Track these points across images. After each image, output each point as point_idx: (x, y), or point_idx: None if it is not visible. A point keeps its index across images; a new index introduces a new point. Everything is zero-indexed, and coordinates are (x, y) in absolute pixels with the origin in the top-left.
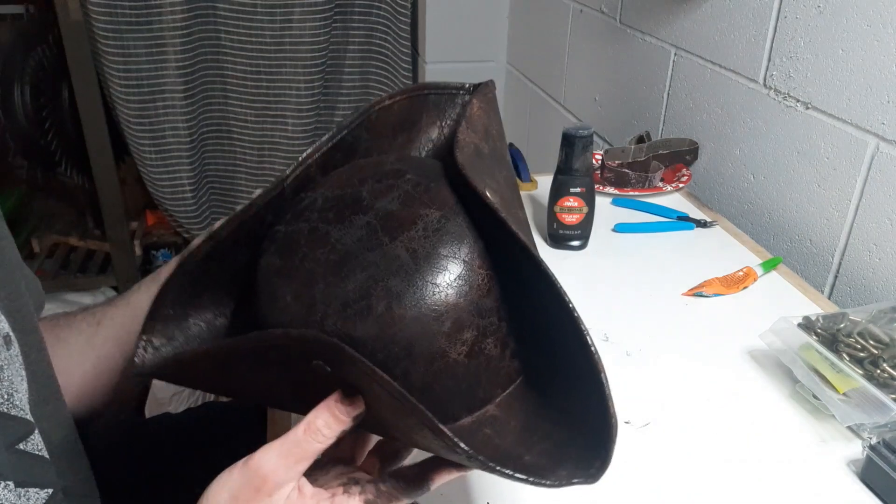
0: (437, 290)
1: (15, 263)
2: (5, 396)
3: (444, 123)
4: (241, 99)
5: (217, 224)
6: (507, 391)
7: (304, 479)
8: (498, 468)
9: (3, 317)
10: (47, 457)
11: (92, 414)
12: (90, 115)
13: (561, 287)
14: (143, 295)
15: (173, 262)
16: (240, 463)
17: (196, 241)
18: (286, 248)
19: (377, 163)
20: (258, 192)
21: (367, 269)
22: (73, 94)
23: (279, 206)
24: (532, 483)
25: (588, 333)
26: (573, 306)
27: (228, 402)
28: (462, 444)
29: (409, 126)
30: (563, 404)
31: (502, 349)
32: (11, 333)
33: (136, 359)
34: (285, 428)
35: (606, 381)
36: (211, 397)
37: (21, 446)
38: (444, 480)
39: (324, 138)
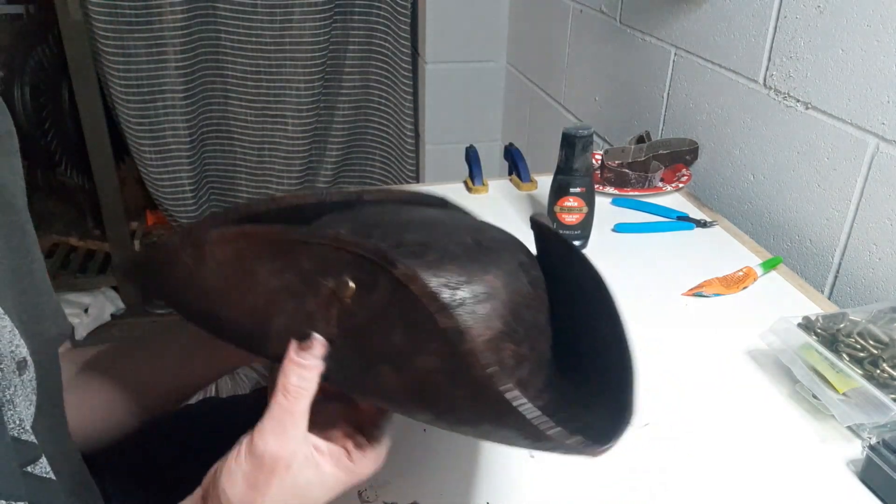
0: (489, 271)
1: (43, 288)
2: (17, 421)
3: None
4: (241, 99)
5: (279, 194)
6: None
7: (316, 439)
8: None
9: (22, 341)
10: (55, 479)
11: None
12: (90, 115)
13: (616, 303)
14: (161, 344)
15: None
16: (244, 447)
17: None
18: (357, 220)
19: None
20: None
21: (429, 230)
22: (73, 94)
23: (339, 211)
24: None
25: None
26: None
27: (229, 399)
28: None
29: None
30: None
31: (516, 365)
32: (28, 358)
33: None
34: None
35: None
36: (210, 393)
37: (30, 469)
38: None
39: (404, 189)
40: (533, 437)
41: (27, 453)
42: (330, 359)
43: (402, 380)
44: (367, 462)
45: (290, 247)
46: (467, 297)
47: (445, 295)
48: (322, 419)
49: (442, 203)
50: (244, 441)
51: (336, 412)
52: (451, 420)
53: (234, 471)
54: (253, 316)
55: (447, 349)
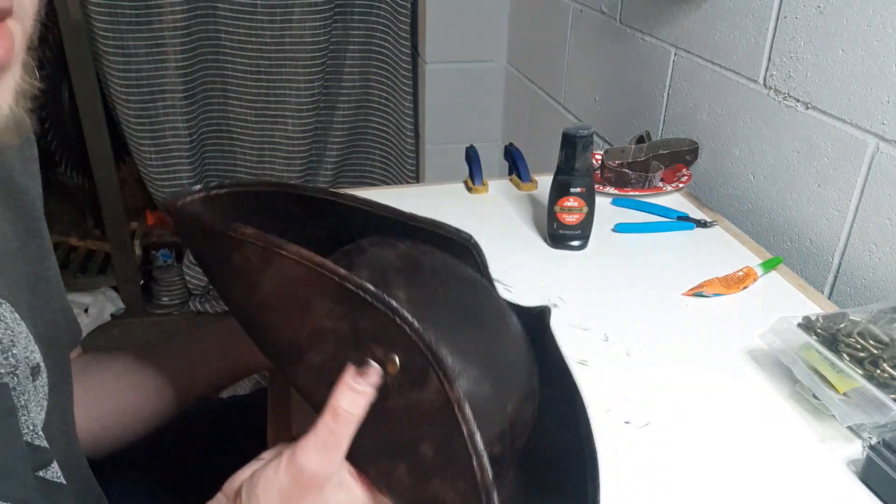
0: (512, 395)
1: (56, 294)
2: (30, 427)
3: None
4: (241, 99)
5: (318, 186)
6: None
7: (348, 464)
8: None
9: (36, 347)
10: (66, 483)
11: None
12: (90, 115)
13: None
14: (179, 346)
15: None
16: (284, 460)
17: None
18: (410, 261)
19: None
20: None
21: (483, 332)
22: (73, 94)
23: (368, 223)
24: None
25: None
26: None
27: (229, 399)
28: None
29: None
30: None
31: (499, 479)
32: (42, 363)
33: (178, 194)
34: (286, 424)
35: None
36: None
37: (41, 474)
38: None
39: (429, 218)
40: None
41: (40, 458)
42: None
43: (413, 489)
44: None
45: (355, 299)
46: (483, 419)
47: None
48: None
49: (469, 255)
50: (285, 454)
51: None
52: None
53: (271, 480)
54: (292, 339)
55: (471, 495)
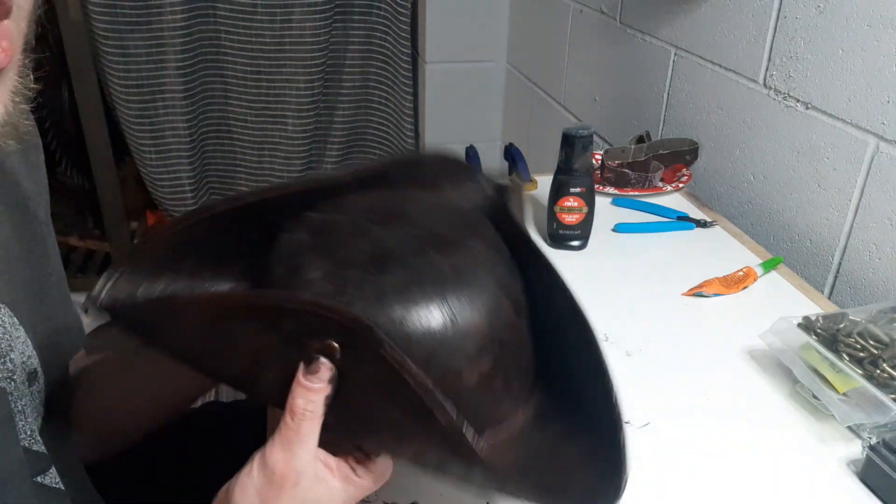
0: (474, 310)
1: (59, 300)
2: (28, 432)
3: (466, 195)
4: (241, 99)
5: (245, 191)
6: (511, 436)
7: (326, 456)
8: (513, 483)
9: (34, 353)
10: (64, 489)
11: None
12: (90, 115)
13: (594, 332)
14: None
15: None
16: (256, 462)
17: (216, 201)
18: (322, 230)
19: (425, 196)
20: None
21: (408, 270)
22: (73, 94)
23: (308, 201)
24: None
25: (613, 384)
26: (603, 353)
27: (229, 403)
28: (475, 448)
29: (431, 185)
30: (564, 448)
31: (505, 389)
32: (39, 369)
33: (97, 287)
34: None
35: (623, 428)
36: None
37: (40, 479)
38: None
39: (372, 163)
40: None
41: (37, 464)
42: (328, 411)
43: (402, 448)
44: (373, 476)
45: (271, 312)
46: (454, 347)
47: (433, 346)
48: (329, 438)
49: (406, 170)
50: (256, 457)
51: None
52: (454, 482)
53: (246, 485)
54: (240, 371)
55: (448, 442)
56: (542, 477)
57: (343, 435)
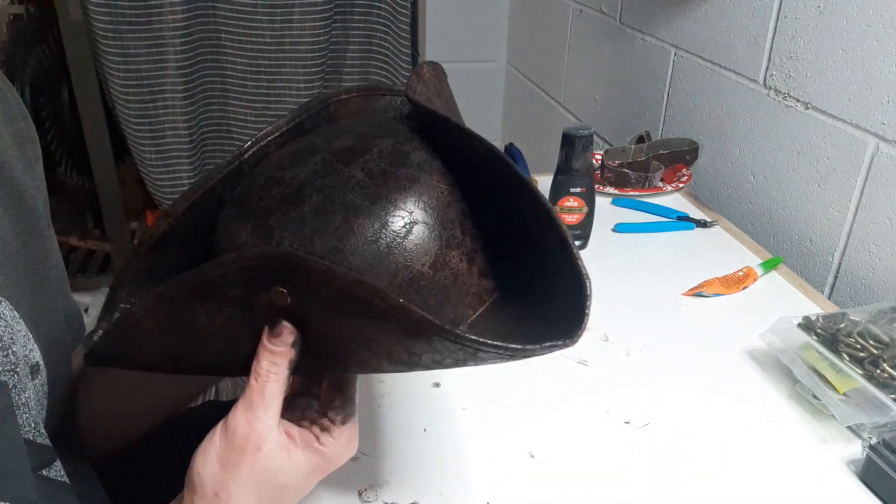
0: (396, 201)
1: (58, 293)
2: (32, 425)
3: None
4: (241, 99)
5: (170, 205)
6: (479, 311)
7: (287, 423)
8: (484, 341)
9: (35, 346)
10: (69, 482)
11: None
12: (90, 115)
13: (530, 182)
14: None
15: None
16: (218, 428)
17: (154, 224)
18: (242, 198)
19: (334, 125)
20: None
21: (322, 192)
22: (73, 94)
23: (233, 188)
24: (508, 351)
25: (566, 232)
26: (546, 202)
27: (229, 402)
28: (457, 331)
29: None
30: (539, 311)
31: (469, 264)
32: (41, 362)
33: (83, 343)
34: None
35: (586, 273)
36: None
37: (45, 472)
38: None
39: (282, 119)
40: (510, 357)
41: (42, 457)
42: (302, 356)
43: (378, 354)
44: (338, 445)
45: (208, 287)
46: (392, 241)
47: (373, 249)
48: (291, 409)
49: (313, 107)
50: (219, 424)
51: (303, 402)
52: (432, 366)
53: (207, 450)
54: (221, 354)
55: (403, 325)
56: (510, 337)
57: (322, 370)
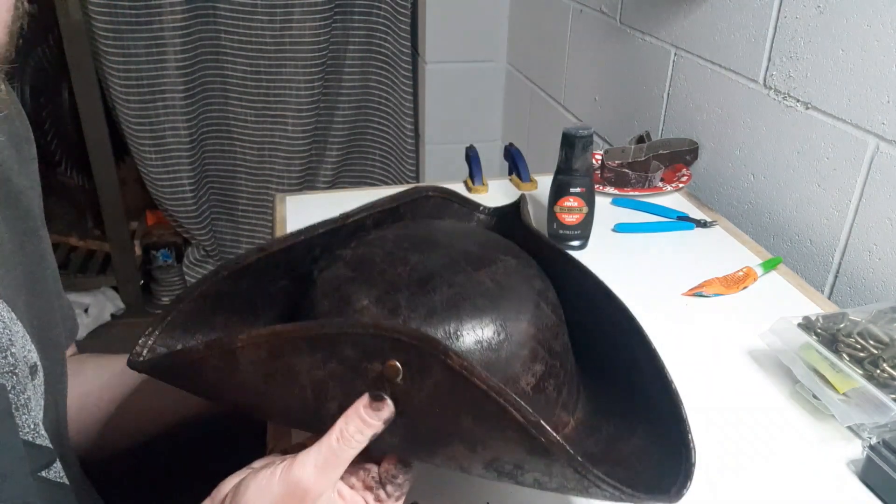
0: (520, 317)
1: (54, 293)
2: (31, 426)
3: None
4: (241, 99)
5: (270, 240)
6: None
7: (341, 483)
8: (605, 479)
9: (32, 346)
10: (68, 483)
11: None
12: (90, 115)
13: (643, 330)
14: None
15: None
16: (279, 472)
17: (241, 254)
18: (359, 263)
19: (443, 224)
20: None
21: (453, 287)
22: (73, 94)
23: (328, 244)
24: (623, 495)
25: (671, 379)
26: (657, 351)
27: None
28: (577, 456)
29: (439, 216)
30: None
31: (558, 395)
32: (39, 363)
33: (137, 347)
34: (286, 434)
35: (688, 424)
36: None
37: (44, 474)
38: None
39: (384, 197)
40: (618, 499)
41: (42, 457)
42: (388, 432)
43: (478, 456)
44: None
45: (328, 340)
46: (511, 355)
47: (492, 357)
48: (349, 468)
49: (425, 198)
50: (283, 464)
51: (361, 463)
52: (528, 484)
53: (264, 488)
54: (302, 404)
55: (531, 442)
56: (610, 469)
57: (411, 455)
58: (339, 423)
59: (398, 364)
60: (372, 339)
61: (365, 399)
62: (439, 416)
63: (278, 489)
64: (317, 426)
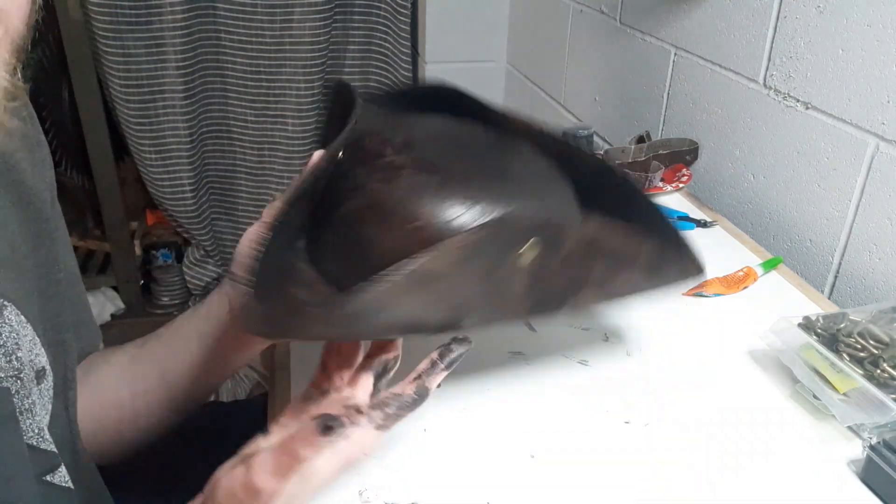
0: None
1: (68, 298)
2: (36, 430)
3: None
4: (241, 99)
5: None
6: None
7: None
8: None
9: (42, 350)
10: (73, 488)
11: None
12: (90, 115)
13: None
14: (185, 325)
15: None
16: (245, 465)
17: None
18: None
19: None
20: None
21: (526, 169)
22: (73, 94)
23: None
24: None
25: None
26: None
27: (230, 404)
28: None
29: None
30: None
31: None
32: (48, 367)
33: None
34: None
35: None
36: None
37: (48, 478)
38: (438, 382)
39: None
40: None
41: (46, 462)
42: (525, 298)
43: (604, 292)
44: (361, 432)
45: (489, 238)
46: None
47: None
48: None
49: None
50: (252, 456)
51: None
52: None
53: (230, 475)
54: (450, 309)
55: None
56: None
57: (533, 312)
58: (293, 438)
59: (536, 242)
60: (509, 232)
61: (319, 426)
62: (572, 270)
63: (239, 480)
64: (453, 326)
